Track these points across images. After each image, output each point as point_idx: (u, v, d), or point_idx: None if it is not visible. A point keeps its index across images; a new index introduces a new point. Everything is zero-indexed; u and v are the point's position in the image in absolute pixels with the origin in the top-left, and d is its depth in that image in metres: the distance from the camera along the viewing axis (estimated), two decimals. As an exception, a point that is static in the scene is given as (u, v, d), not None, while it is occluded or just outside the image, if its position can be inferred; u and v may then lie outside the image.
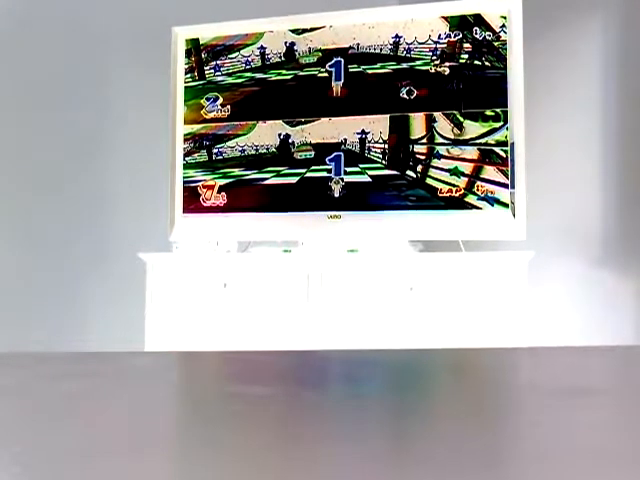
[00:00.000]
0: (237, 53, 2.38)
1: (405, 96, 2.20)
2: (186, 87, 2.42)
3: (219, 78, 2.40)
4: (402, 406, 0.42)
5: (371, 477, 0.28)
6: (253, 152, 2.34)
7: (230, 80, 2.39)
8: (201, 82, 2.41)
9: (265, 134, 2.33)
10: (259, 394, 0.45)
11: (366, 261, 2.17)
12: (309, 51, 2.31)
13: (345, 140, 2.26)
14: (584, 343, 2.44)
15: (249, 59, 2.37)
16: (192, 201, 2.39)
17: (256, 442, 0.34)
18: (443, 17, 2.19)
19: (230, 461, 0.30)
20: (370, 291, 2.14)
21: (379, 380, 0.53)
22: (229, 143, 2.37)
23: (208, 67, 2.41)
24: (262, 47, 2.35)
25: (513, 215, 2.08)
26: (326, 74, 2.28)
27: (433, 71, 2.19)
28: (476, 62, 2.15)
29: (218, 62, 2.40)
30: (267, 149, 2.33)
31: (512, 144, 2.10)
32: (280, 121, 2.31)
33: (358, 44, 2.26)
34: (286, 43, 2.33)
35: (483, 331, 2.05)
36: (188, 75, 2.43)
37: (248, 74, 2.37)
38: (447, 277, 2.10)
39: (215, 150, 2.38)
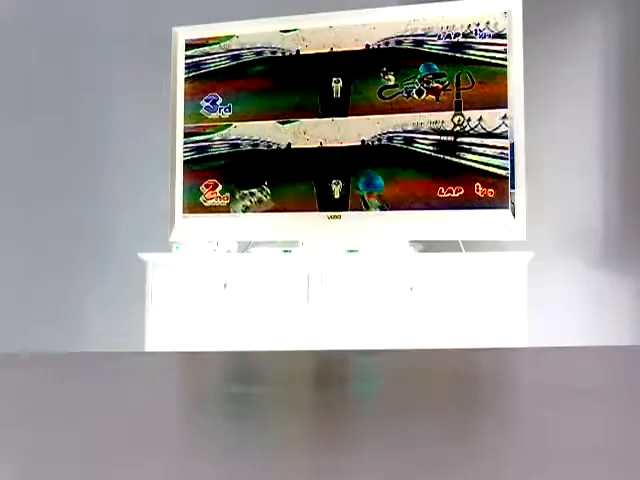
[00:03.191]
0: (236, 52, 2.38)
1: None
2: (186, 87, 2.42)
3: (219, 78, 2.40)
4: (402, 406, 0.42)
5: (371, 476, 0.28)
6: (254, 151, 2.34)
7: (230, 80, 2.38)
8: (201, 82, 2.41)
9: (266, 133, 2.33)
10: (259, 394, 0.45)
11: (366, 261, 2.17)
12: (308, 52, 2.31)
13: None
14: (584, 343, 2.44)
15: (248, 59, 2.37)
16: (192, 201, 2.39)
17: (256, 443, 0.34)
18: (443, 17, 2.19)
19: (230, 462, 0.30)
20: (370, 291, 2.14)
21: (379, 380, 0.53)
22: (227, 142, 2.37)
23: (208, 67, 2.41)
24: (261, 46, 2.35)
25: (513, 215, 2.08)
26: (326, 74, 2.28)
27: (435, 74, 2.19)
28: (476, 62, 2.15)
29: (218, 62, 2.40)
30: (272, 147, 2.32)
31: (512, 144, 2.10)
32: (274, 121, 2.32)
33: (359, 44, 2.26)
34: (285, 43, 2.33)
35: (483, 331, 2.05)
36: (188, 74, 2.43)
37: (247, 74, 2.37)
38: (447, 277, 2.10)
39: (214, 150, 2.38)
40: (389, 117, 2.21)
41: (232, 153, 2.35)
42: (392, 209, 2.19)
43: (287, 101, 2.31)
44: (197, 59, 2.41)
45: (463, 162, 2.14)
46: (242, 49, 2.37)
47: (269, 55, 2.34)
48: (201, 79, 2.41)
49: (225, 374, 0.58)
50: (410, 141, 2.19)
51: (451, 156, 2.15)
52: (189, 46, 2.42)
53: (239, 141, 2.35)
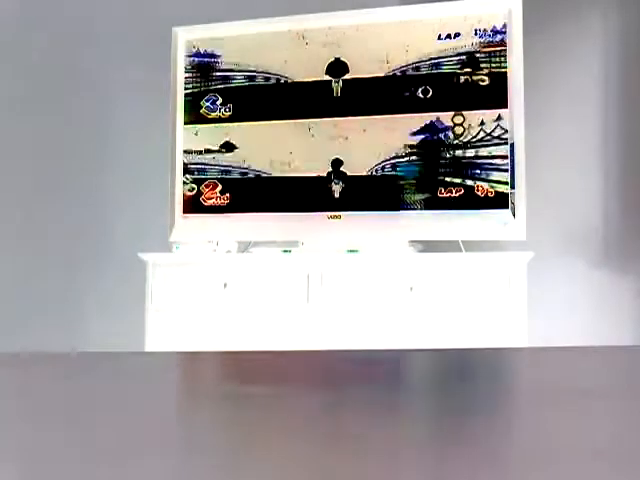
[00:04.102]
0: (237, 52, 2.38)
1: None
2: (186, 87, 2.42)
3: (219, 78, 2.39)
4: (402, 406, 0.42)
5: (371, 477, 0.28)
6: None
7: (229, 80, 2.38)
8: (201, 82, 2.41)
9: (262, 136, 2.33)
10: (259, 394, 0.45)
11: (366, 261, 2.17)
12: (308, 51, 2.30)
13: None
14: (584, 343, 2.44)
15: (247, 58, 2.37)
16: (192, 201, 2.39)
17: (256, 442, 0.34)
18: (443, 18, 2.18)
19: (230, 462, 0.30)
20: (370, 291, 2.14)
21: (379, 380, 0.53)
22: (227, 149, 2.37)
23: (207, 67, 2.41)
24: (261, 47, 2.35)
25: (513, 215, 2.08)
26: (326, 75, 2.28)
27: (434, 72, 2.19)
28: (476, 62, 2.15)
29: (218, 62, 2.40)
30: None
31: (512, 144, 2.10)
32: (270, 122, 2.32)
33: (359, 43, 2.26)
34: (286, 42, 2.33)
35: (483, 331, 2.05)
36: (188, 75, 2.42)
37: (247, 73, 2.37)
38: (447, 277, 2.10)
39: (215, 154, 2.38)
40: (391, 117, 2.21)
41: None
42: (392, 208, 2.19)
43: (286, 102, 2.31)
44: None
45: (462, 162, 2.14)
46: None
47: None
48: (201, 80, 2.41)
49: (225, 374, 0.58)
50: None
51: (450, 156, 2.15)
52: (189, 55, 2.42)
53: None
